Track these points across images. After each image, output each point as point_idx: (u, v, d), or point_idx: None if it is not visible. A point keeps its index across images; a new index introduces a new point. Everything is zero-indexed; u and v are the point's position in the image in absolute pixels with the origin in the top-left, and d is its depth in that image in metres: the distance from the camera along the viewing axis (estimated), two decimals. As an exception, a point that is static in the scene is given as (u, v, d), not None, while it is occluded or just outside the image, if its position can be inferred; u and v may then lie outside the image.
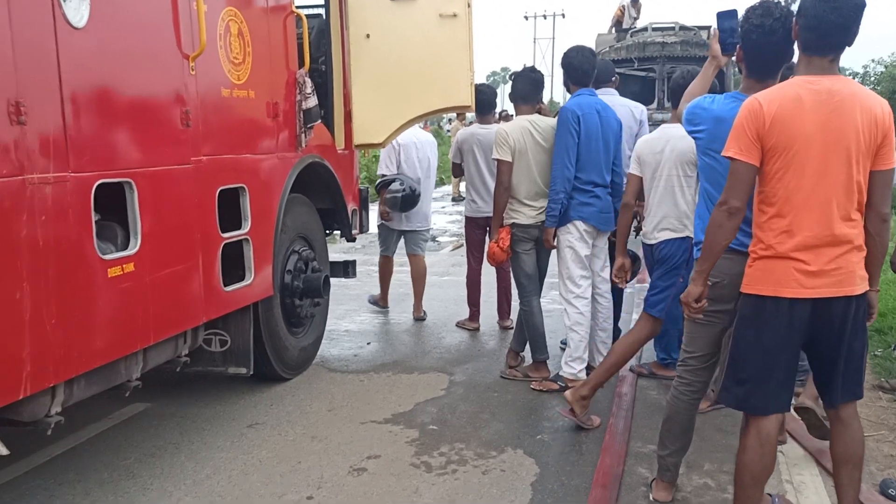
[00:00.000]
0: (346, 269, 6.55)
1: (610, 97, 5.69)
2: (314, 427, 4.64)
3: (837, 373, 3.03)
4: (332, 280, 6.54)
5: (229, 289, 4.38)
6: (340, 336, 6.68)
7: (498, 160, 5.32)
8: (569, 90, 5.33)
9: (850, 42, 2.88)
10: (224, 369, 4.85)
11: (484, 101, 6.42)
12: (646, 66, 16.58)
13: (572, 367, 5.13)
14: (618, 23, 18.08)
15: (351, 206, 6.19)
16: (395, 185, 6.76)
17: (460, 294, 7.22)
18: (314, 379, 5.53)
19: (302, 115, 5.12)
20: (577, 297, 5.15)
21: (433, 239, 11.51)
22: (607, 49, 16.60)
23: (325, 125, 5.99)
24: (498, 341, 6.46)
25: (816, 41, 2.89)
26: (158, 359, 4.04)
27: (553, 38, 58.46)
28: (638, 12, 17.89)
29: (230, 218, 4.50)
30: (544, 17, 53.50)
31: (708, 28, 17.58)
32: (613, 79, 5.90)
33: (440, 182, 21.29)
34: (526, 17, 54.51)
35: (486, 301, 7.03)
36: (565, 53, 5.22)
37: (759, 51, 3.21)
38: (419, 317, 7.25)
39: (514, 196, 5.34)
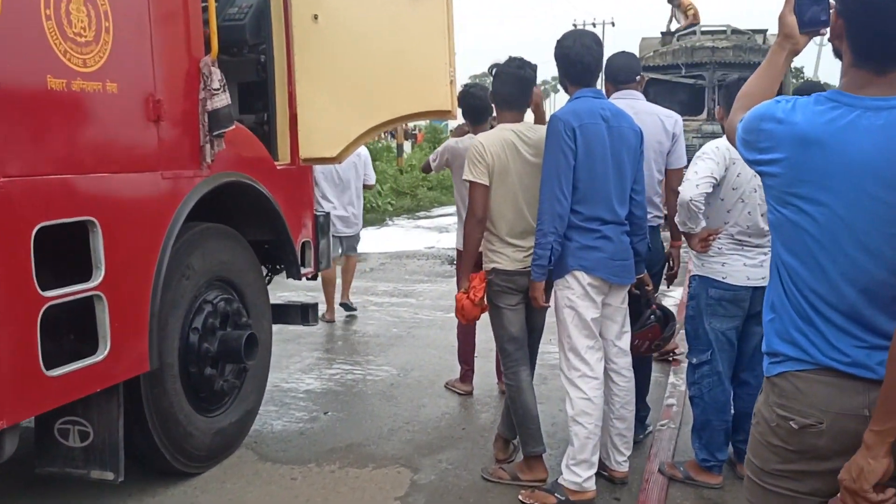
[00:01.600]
0: (305, 314, 5.15)
1: (632, 102, 4.17)
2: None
3: None
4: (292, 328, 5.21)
5: (58, 372, 3.00)
6: (295, 400, 5.27)
7: (470, 183, 3.89)
8: (567, 91, 3.88)
9: None
10: (86, 472, 3.47)
11: (476, 106, 4.99)
12: (694, 73, 15.00)
13: (576, 473, 3.65)
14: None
15: (302, 237, 4.80)
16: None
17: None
18: (230, 474, 4.12)
19: (207, 119, 3.74)
20: (582, 376, 3.68)
21: (451, 262, 10.10)
22: (651, 54, 15.07)
23: (264, 134, 4.64)
24: (491, 414, 4.99)
25: None
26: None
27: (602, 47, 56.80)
28: (692, 16, 16.08)
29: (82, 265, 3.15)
30: (594, 24, 51.87)
31: (763, 32, 15.99)
32: (638, 78, 4.38)
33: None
34: (574, 25, 53.04)
35: (485, 355, 5.59)
36: (558, 41, 3.78)
37: (879, 18, 1.76)
38: (343, 302, 7.67)
39: (493, 232, 3.92)
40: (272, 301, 4.90)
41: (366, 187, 7.61)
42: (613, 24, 51.49)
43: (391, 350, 6.44)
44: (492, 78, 4.05)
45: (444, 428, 4.78)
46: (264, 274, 4.86)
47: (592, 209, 3.62)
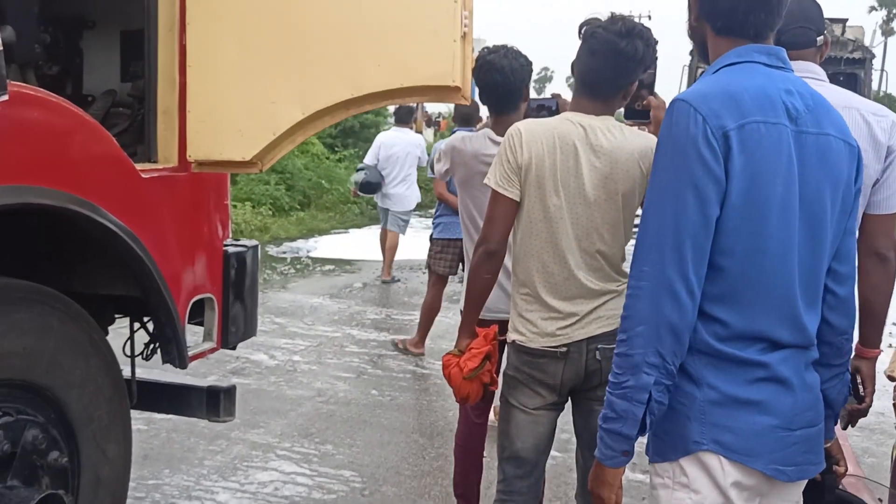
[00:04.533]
0: (214, 402, 3.22)
1: (815, 84, 2.15)
2: None
3: None
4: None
5: None
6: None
7: (492, 192, 2.28)
8: (705, 59, 1.88)
9: None
10: None
11: (499, 85, 3.00)
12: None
13: None
14: None
15: (193, 292, 2.85)
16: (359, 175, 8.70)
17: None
18: None
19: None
20: None
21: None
22: (703, 45, 12.98)
23: (140, 127, 2.71)
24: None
25: None
26: None
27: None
28: None
29: None
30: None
31: (843, 21, 13.89)
32: (820, 41, 2.39)
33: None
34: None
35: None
36: None
37: None
38: (386, 279, 8.81)
39: (519, 280, 2.42)
40: (159, 379, 3.05)
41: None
42: (650, 17, 49.17)
43: (357, 435, 4.51)
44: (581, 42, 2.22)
45: None
46: (143, 349, 2.94)
47: (751, 317, 1.63)
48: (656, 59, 2.33)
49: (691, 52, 13.60)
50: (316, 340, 6.37)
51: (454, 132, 6.40)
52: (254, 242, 3.22)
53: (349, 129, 17.05)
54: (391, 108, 23.30)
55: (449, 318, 7.26)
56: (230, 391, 3.26)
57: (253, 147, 2.57)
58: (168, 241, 2.67)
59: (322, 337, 6.48)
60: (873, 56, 12.84)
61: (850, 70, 11.66)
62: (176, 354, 2.76)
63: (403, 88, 2.50)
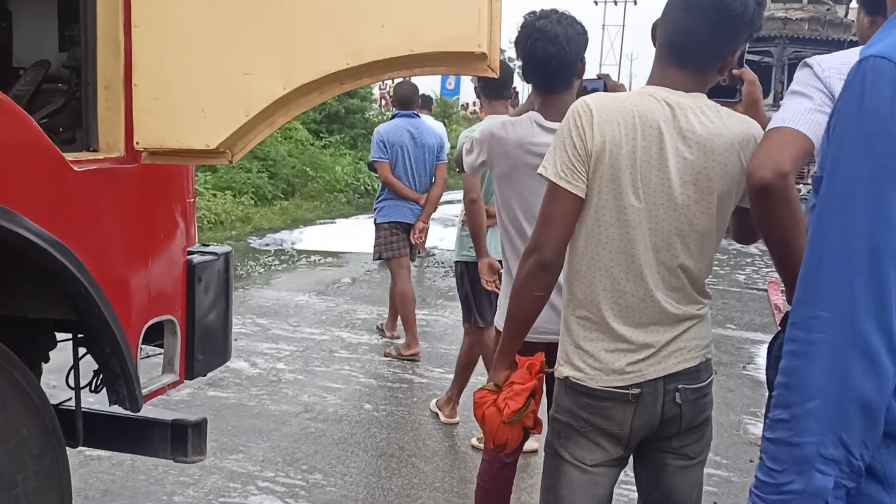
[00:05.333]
0: (180, 439, 2.68)
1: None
2: None
3: None
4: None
5: None
6: None
7: (548, 185, 1.72)
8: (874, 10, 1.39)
9: None
10: None
11: (550, 57, 2.43)
12: (760, 49, 12.42)
13: None
14: None
15: (148, 314, 2.28)
16: None
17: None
18: None
19: None
20: None
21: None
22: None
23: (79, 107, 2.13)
24: None
25: None
26: None
27: (623, 26, 53.44)
28: None
29: None
30: (615, 2, 48.87)
31: (846, 2, 13.42)
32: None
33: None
34: (596, 3, 49.93)
35: None
36: None
37: None
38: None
39: (577, 301, 1.85)
40: (113, 411, 2.49)
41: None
42: (636, 3, 48.53)
43: (350, 461, 3.95)
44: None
45: None
46: (93, 377, 2.39)
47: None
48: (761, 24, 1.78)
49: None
50: (302, 344, 5.81)
51: (394, 117, 5.85)
52: (226, 248, 2.65)
53: (334, 114, 16.43)
54: (376, 91, 22.51)
55: (446, 318, 6.74)
56: (199, 426, 2.71)
57: (220, 132, 2.01)
58: (112, 252, 2.11)
59: (309, 340, 5.92)
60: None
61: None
62: (125, 394, 2.20)
63: (413, 56, 1.94)
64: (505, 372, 1.95)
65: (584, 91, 2.34)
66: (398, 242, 5.51)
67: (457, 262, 4.41)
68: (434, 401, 4.64)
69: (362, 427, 4.36)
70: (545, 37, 2.36)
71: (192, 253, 2.47)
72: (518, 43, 2.42)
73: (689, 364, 1.78)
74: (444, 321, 6.60)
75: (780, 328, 1.89)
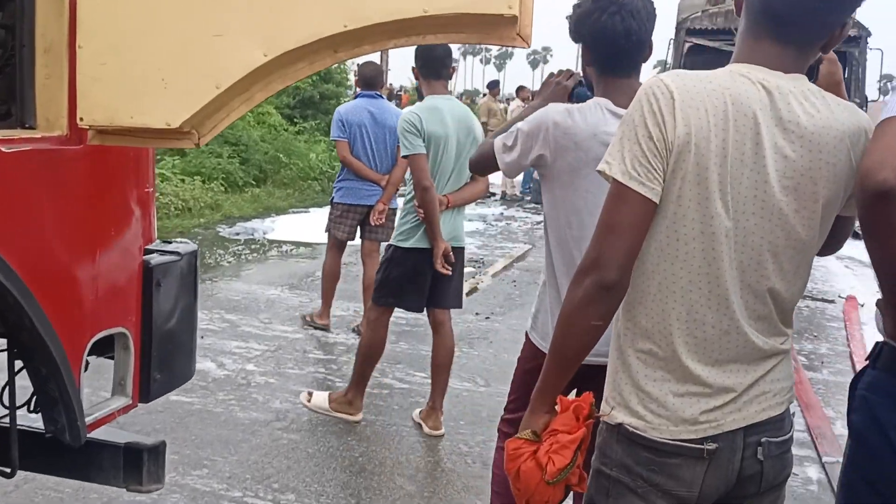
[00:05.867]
0: (135, 466, 2.32)
1: None
2: None
3: None
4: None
5: None
6: None
7: (613, 184, 1.40)
8: None
9: None
10: None
11: (643, 36, 2.18)
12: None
13: None
14: None
15: (96, 324, 1.91)
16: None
17: None
18: None
19: None
20: None
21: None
22: (698, 14, 12.16)
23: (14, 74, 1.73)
24: None
25: None
26: None
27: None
28: None
29: None
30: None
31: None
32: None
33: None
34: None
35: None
36: None
37: None
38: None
39: (642, 332, 1.45)
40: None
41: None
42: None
43: (325, 478, 3.59)
44: None
45: None
46: (31, 397, 2.01)
47: None
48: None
49: (677, 27, 12.81)
50: (273, 343, 5.43)
51: (358, 97, 5.67)
52: (191, 247, 2.27)
53: (308, 99, 15.95)
54: (352, 77, 21.91)
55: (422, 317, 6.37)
56: (157, 450, 2.34)
57: (184, 107, 1.63)
58: (49, 252, 1.73)
59: (281, 339, 5.54)
60: (869, 34, 12.11)
61: (843, 48, 10.89)
62: (64, 423, 1.82)
63: (427, 18, 1.57)
64: (545, 416, 1.58)
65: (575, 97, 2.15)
66: (345, 225, 5.64)
67: (405, 249, 3.88)
68: (417, 411, 4.29)
69: (338, 438, 4.01)
70: (625, 10, 2.08)
71: (151, 252, 2.08)
72: (586, 16, 2.10)
73: (774, 412, 1.45)
74: (425, 321, 6.23)
75: (866, 362, 1.56)
